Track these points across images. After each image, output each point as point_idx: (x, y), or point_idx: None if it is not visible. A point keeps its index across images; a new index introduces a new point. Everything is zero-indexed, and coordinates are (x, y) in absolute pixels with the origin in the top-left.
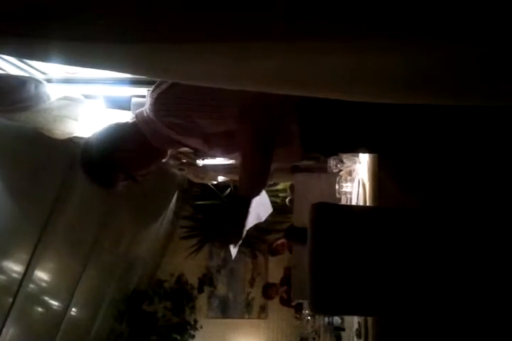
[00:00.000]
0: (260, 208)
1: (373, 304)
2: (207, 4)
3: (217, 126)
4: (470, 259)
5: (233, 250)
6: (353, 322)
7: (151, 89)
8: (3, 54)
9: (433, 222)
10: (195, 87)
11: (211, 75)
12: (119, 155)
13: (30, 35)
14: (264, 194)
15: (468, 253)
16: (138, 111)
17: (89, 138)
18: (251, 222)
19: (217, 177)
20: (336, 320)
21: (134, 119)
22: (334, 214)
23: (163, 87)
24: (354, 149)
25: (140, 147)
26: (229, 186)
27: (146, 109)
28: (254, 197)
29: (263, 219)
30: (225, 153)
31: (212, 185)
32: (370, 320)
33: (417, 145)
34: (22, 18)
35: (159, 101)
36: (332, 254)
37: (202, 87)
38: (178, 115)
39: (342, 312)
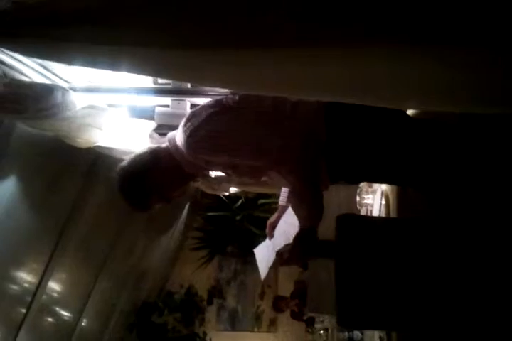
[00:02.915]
0: (290, 229)
1: (401, 318)
2: (243, 10)
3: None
4: (500, 275)
5: (264, 269)
6: (374, 337)
7: (175, 98)
8: (30, 56)
9: (460, 233)
10: (230, 128)
11: (245, 81)
12: (153, 179)
13: (56, 39)
14: (293, 215)
15: (498, 268)
16: (170, 135)
17: (123, 163)
18: (279, 243)
19: (229, 189)
20: (357, 334)
21: (167, 144)
22: (361, 225)
23: (195, 123)
24: (377, 179)
25: (172, 170)
26: (240, 197)
27: (177, 139)
28: (318, 223)
29: (291, 239)
30: (252, 178)
31: (224, 196)
32: (393, 335)
33: (435, 176)
34: (49, 22)
35: (193, 140)
36: (359, 267)
37: (236, 128)
38: (212, 154)
39: (369, 326)
